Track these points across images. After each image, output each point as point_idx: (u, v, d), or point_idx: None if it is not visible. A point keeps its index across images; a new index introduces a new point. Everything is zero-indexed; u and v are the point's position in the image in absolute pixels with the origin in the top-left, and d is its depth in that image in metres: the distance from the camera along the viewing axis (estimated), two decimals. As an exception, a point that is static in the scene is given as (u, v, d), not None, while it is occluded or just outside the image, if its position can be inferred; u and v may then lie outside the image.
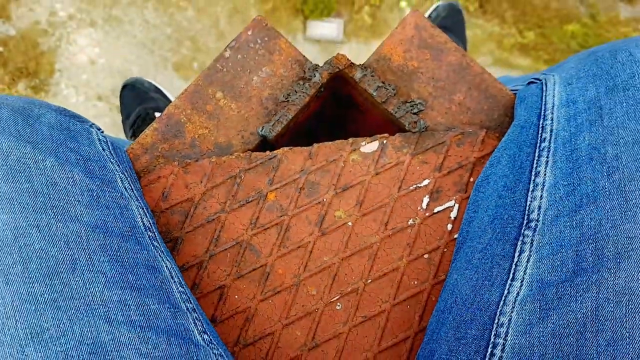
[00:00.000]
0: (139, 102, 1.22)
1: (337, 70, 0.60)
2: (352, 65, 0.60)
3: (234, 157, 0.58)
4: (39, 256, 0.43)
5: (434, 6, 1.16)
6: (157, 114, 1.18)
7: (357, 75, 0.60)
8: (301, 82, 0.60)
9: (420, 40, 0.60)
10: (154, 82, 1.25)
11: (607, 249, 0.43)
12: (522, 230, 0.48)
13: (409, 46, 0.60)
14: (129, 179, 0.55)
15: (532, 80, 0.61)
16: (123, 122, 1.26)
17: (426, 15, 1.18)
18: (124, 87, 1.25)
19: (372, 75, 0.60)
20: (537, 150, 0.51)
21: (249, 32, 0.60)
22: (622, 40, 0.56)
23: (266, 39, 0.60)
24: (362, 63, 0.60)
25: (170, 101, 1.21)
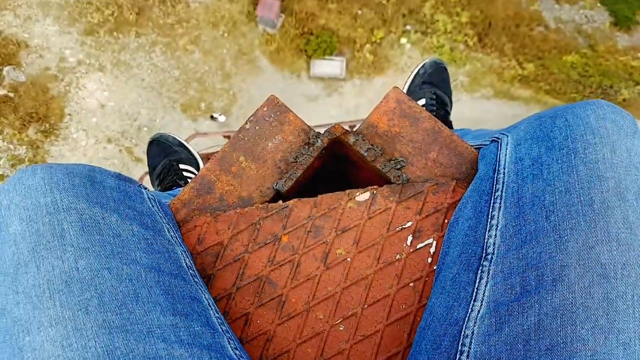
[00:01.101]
0: (164, 155, 1.38)
1: (335, 136, 0.75)
2: (346, 132, 0.75)
3: (254, 207, 0.73)
4: (110, 291, 0.58)
5: (421, 63, 1.33)
6: (181, 166, 1.34)
7: (351, 140, 0.75)
8: (306, 147, 0.75)
9: (401, 111, 0.76)
10: (177, 137, 1.42)
11: (546, 275, 0.57)
12: (482, 262, 0.62)
13: (392, 116, 0.76)
14: (173, 228, 0.70)
15: (494, 138, 0.76)
16: (150, 173, 1.42)
17: (414, 72, 1.35)
18: (151, 142, 1.42)
19: (363, 140, 0.75)
20: (493, 199, 0.66)
21: (265, 109, 0.76)
22: (563, 106, 0.71)
23: (278, 113, 0.76)
24: (355, 130, 0.76)
25: (192, 153, 1.37)
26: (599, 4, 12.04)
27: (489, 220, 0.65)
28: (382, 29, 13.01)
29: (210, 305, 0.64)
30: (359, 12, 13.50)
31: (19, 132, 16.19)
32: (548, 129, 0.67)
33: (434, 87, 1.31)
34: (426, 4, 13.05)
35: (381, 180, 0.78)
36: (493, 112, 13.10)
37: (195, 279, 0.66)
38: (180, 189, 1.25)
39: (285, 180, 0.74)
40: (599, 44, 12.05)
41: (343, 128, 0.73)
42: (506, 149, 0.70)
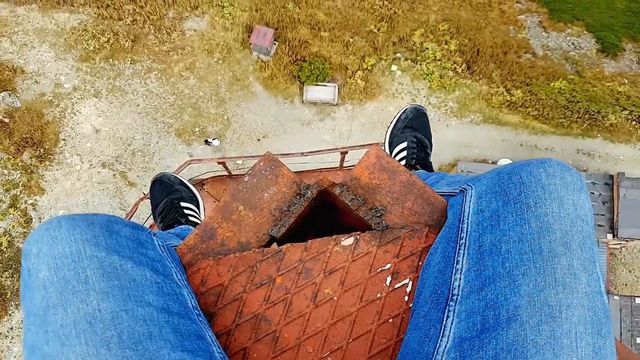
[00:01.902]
0: (166, 194, 1.48)
1: (323, 188, 0.85)
2: (333, 184, 0.86)
3: (251, 252, 0.83)
4: (128, 330, 0.67)
5: (402, 109, 1.44)
6: (182, 204, 1.44)
7: (337, 191, 0.86)
8: (298, 197, 0.86)
9: (380, 165, 0.87)
10: (179, 177, 1.52)
11: (502, 314, 0.67)
12: (448, 302, 0.72)
13: (373, 170, 0.87)
14: (180, 271, 0.80)
15: (462, 188, 0.87)
16: (152, 211, 1.51)
17: (396, 117, 1.46)
18: (154, 181, 1.52)
19: (347, 191, 0.86)
20: (458, 245, 0.76)
21: (261, 163, 0.87)
22: (519, 164, 0.82)
23: (273, 167, 0.87)
24: (340, 182, 0.86)
25: (192, 192, 1.47)
26: (585, 32, 12.42)
27: (455, 264, 0.75)
28: (373, 56, 13.26)
29: (213, 342, 0.73)
30: (351, 40, 13.77)
31: (14, 157, 15.90)
32: (505, 185, 0.77)
33: (414, 131, 1.42)
34: (416, 33, 13.35)
35: (364, 225, 0.88)
36: (482, 137, 13.29)
37: (200, 318, 0.75)
38: (181, 226, 1.34)
39: (280, 227, 0.84)
40: (586, 70, 12.37)
41: (330, 181, 0.84)
42: (470, 201, 0.80)
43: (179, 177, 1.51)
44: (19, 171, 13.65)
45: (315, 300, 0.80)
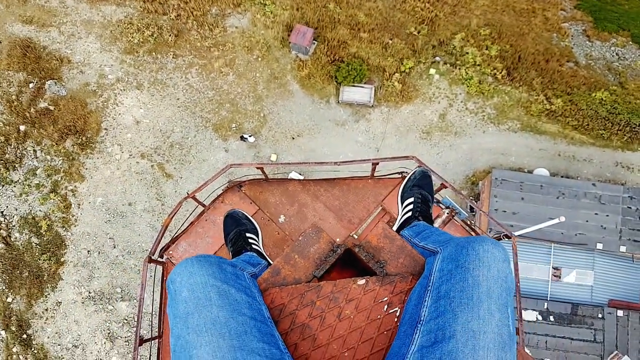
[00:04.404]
0: (235, 225, 2.08)
1: (347, 247, 1.42)
2: (354, 245, 1.42)
3: (302, 285, 1.41)
4: (234, 329, 1.26)
5: (412, 171, 1.98)
6: (247, 234, 2.05)
7: (356, 249, 1.42)
8: (332, 252, 1.43)
9: (384, 234, 1.43)
10: (245, 212, 2.12)
11: (446, 334, 1.23)
12: (417, 324, 1.28)
13: (379, 237, 1.43)
14: (259, 294, 1.38)
15: (437, 250, 1.42)
16: (225, 237, 2.13)
17: (407, 177, 2.02)
18: (226, 216, 2.13)
19: (362, 249, 1.42)
20: (426, 290, 1.32)
21: (310, 229, 1.44)
22: (469, 239, 1.37)
23: (317, 232, 1.44)
24: (358, 243, 1.43)
25: (254, 224, 2.07)
26: (631, 42, 12.49)
27: (424, 301, 1.31)
28: (411, 59, 13.62)
29: (279, 339, 1.32)
30: (390, 41, 14.14)
31: (57, 144, 16.84)
32: (458, 254, 1.33)
33: (420, 189, 1.98)
34: (456, 37, 13.64)
35: (372, 271, 1.45)
36: (519, 145, 13.46)
37: (272, 324, 1.34)
38: (248, 254, 1.94)
39: (319, 270, 1.42)
40: (629, 81, 12.46)
41: (353, 243, 1.41)
42: (437, 262, 1.36)
43: (245, 213, 2.10)
44: (61, 158, 14.68)
45: (340, 317, 1.38)
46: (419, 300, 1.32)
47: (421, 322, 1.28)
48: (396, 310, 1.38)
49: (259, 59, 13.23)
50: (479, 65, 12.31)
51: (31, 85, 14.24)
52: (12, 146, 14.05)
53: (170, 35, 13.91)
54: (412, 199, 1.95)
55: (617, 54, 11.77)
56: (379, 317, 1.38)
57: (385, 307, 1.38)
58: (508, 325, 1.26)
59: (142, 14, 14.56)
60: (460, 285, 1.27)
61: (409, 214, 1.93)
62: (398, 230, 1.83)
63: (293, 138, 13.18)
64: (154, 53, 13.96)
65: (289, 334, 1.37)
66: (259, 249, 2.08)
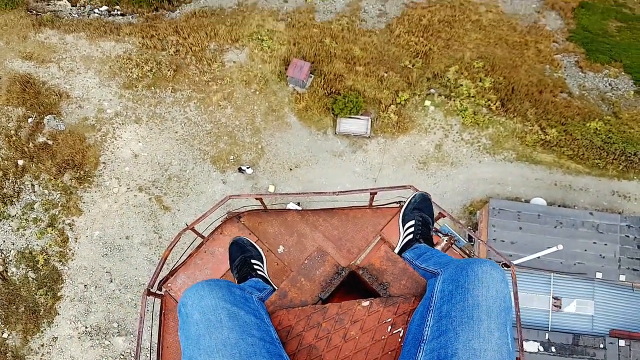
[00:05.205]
0: (241, 252, 2.15)
1: (351, 270, 1.49)
2: (358, 267, 1.49)
3: (308, 307, 1.46)
4: (244, 350, 1.32)
5: (412, 195, 2.06)
6: (252, 260, 2.11)
7: (360, 272, 1.49)
8: (336, 275, 1.49)
9: (387, 257, 1.50)
10: (250, 240, 2.19)
11: (448, 352, 1.30)
12: (420, 343, 1.34)
13: (382, 259, 1.50)
14: (267, 317, 1.44)
15: (438, 271, 1.49)
16: (230, 263, 2.19)
17: (408, 200, 2.10)
18: (232, 243, 2.20)
19: (366, 272, 1.49)
20: (429, 311, 1.38)
21: (315, 253, 1.51)
22: (469, 261, 1.44)
23: (322, 255, 1.51)
24: (362, 266, 1.49)
25: (259, 251, 2.14)
26: (623, 73, 12.81)
27: (426, 322, 1.37)
28: (407, 91, 13.92)
29: (287, 359, 1.37)
30: (385, 74, 14.47)
31: (55, 178, 16.94)
32: (458, 275, 1.40)
33: (421, 212, 2.06)
34: (450, 69, 13.97)
35: (376, 292, 1.51)
36: (515, 175, 13.62)
37: (280, 346, 1.39)
38: (253, 279, 2.00)
39: (325, 292, 1.48)
40: (623, 111, 12.73)
41: (357, 266, 1.47)
42: (438, 283, 1.43)
43: (250, 240, 2.17)
44: (59, 192, 14.73)
45: (345, 338, 1.43)
46: (421, 320, 1.38)
47: (424, 342, 1.33)
48: (400, 331, 1.44)
49: (257, 92, 13.48)
50: (473, 96, 12.57)
51: (30, 120, 14.41)
52: (10, 181, 14.11)
53: (169, 70, 14.20)
54: (413, 222, 2.02)
55: (610, 85, 12.06)
56: (383, 337, 1.43)
57: (389, 327, 1.44)
58: (507, 343, 1.31)
59: (141, 50, 14.87)
60: (461, 305, 1.33)
61: (410, 236, 2.00)
62: (400, 253, 1.91)
63: (291, 169, 13.31)
64: (152, 87, 14.22)
65: (297, 354, 1.42)
66: (263, 274, 2.14)
